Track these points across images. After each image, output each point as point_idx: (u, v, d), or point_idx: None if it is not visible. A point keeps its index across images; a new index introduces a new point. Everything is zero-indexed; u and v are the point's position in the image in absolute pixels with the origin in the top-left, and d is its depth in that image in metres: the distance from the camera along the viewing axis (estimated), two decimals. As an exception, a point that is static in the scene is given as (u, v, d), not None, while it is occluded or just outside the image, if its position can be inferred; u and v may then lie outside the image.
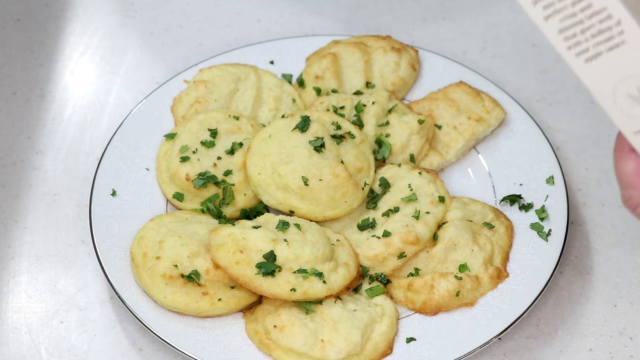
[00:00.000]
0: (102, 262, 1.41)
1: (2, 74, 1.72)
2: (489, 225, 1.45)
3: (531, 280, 1.40)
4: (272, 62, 1.67)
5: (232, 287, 1.38)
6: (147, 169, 1.53)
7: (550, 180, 1.51)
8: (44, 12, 1.81)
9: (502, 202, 1.51)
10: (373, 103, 1.54)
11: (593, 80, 1.09)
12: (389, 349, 1.35)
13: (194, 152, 1.48)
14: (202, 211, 1.47)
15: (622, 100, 1.09)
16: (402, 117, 1.54)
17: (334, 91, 1.60)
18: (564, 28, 1.06)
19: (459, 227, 1.43)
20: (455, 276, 1.39)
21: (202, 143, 1.49)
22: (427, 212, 1.44)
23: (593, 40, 1.07)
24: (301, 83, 1.63)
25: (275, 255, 1.35)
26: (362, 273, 1.42)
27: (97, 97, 1.69)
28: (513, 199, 1.50)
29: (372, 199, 1.49)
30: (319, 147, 1.45)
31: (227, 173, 1.47)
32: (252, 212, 1.49)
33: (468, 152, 1.57)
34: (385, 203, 1.47)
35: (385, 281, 1.41)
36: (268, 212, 1.50)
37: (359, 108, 1.54)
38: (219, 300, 1.37)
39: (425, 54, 1.67)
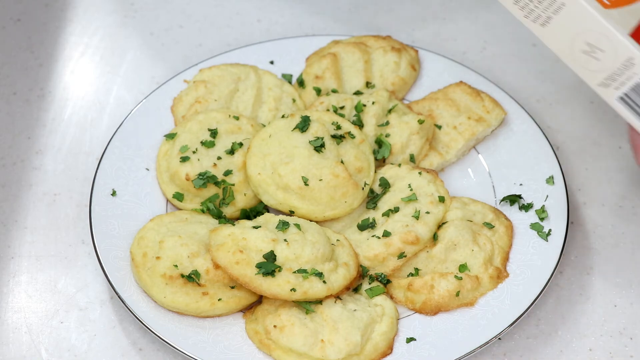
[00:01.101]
0: (102, 262, 1.41)
1: (2, 74, 1.72)
2: (489, 225, 1.45)
3: (531, 280, 1.40)
4: (272, 62, 1.67)
5: (232, 287, 1.38)
6: (147, 169, 1.53)
7: (550, 180, 1.51)
8: (44, 12, 1.81)
9: (502, 202, 1.51)
10: (373, 103, 1.54)
11: (553, 42, 1.17)
12: (389, 349, 1.35)
13: (194, 152, 1.48)
14: (202, 211, 1.47)
15: (579, 57, 1.17)
16: (402, 117, 1.54)
17: (334, 91, 1.60)
18: None
19: (459, 227, 1.43)
20: (455, 276, 1.39)
21: (202, 143, 1.49)
22: (427, 212, 1.44)
23: (541, 6, 1.16)
24: (301, 83, 1.63)
25: (275, 255, 1.35)
26: (362, 273, 1.41)
27: (97, 97, 1.69)
28: (513, 199, 1.50)
29: (372, 199, 1.49)
30: (319, 147, 1.45)
31: (227, 173, 1.47)
32: (252, 212, 1.49)
33: (468, 152, 1.57)
34: (385, 203, 1.47)
35: (385, 281, 1.41)
36: (268, 212, 1.50)
37: (359, 108, 1.54)
38: (219, 300, 1.37)
39: (425, 54, 1.67)
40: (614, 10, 1.15)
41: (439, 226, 1.44)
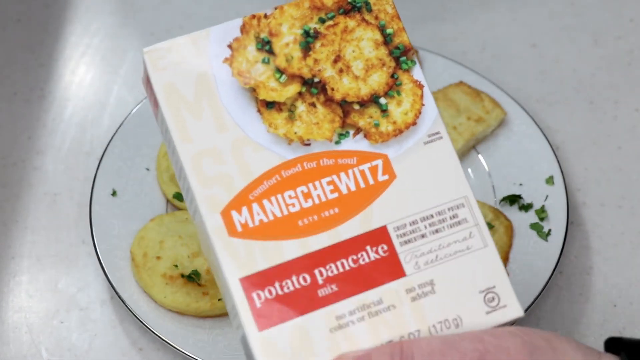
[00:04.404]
0: (102, 262, 1.41)
1: (2, 74, 1.72)
2: (489, 225, 1.45)
3: (531, 280, 1.40)
4: (272, 63, 1.67)
5: (232, 287, 1.38)
6: (147, 169, 1.53)
7: (550, 180, 1.51)
8: (44, 13, 1.81)
9: (501, 202, 1.51)
10: (373, 103, 1.54)
11: None
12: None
13: (194, 152, 1.48)
14: (203, 211, 1.47)
15: None
16: (402, 117, 1.54)
17: (334, 91, 1.60)
18: None
19: (458, 227, 1.43)
20: (455, 276, 1.39)
21: (203, 143, 1.49)
22: (427, 212, 1.44)
23: None
24: (301, 83, 1.63)
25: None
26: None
27: (98, 98, 1.69)
28: (513, 199, 1.50)
29: (372, 199, 1.49)
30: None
31: (227, 173, 1.47)
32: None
33: (468, 153, 1.58)
34: (385, 203, 1.47)
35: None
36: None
37: (359, 108, 1.54)
38: (219, 300, 1.37)
39: (425, 54, 1.67)
40: None
41: (439, 226, 1.44)
